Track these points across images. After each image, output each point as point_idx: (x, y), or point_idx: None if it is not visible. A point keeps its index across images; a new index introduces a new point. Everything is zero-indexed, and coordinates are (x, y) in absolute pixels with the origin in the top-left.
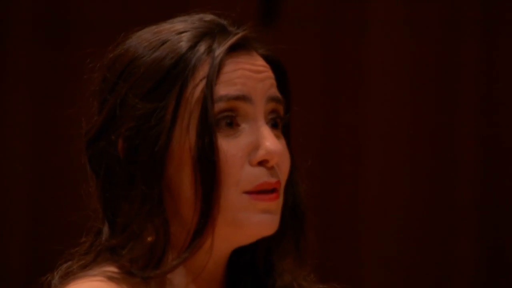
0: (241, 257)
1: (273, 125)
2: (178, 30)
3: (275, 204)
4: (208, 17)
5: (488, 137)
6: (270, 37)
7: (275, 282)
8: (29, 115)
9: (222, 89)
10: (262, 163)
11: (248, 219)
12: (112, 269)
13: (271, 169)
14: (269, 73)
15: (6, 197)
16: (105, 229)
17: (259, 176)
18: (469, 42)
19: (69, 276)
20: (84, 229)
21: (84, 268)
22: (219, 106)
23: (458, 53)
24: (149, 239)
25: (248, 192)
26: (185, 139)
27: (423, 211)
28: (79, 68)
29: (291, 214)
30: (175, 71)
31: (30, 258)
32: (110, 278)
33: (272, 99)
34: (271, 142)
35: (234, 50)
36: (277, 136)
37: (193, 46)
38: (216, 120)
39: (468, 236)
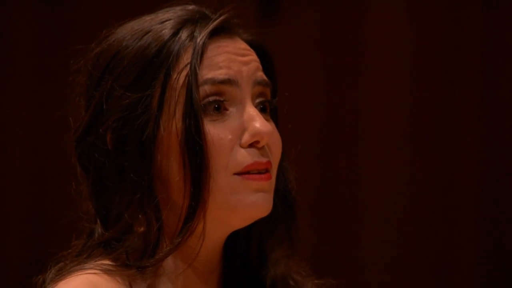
0: (235, 248)
1: (262, 109)
2: (161, 20)
3: (268, 184)
4: (190, 6)
5: (490, 130)
6: (271, 31)
7: (268, 272)
8: (28, 115)
9: (207, 73)
10: (252, 144)
11: (241, 200)
12: (106, 261)
13: (261, 149)
14: (253, 57)
15: (3, 197)
16: (97, 228)
17: (250, 156)
18: (471, 31)
19: (62, 272)
20: (76, 231)
21: (78, 265)
22: (204, 89)
23: (460, 43)
24: (141, 229)
25: (239, 173)
26: (172, 125)
27: (424, 203)
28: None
29: (282, 202)
30: (158, 59)
31: (28, 259)
32: (105, 271)
33: (258, 82)
34: (260, 123)
35: (216, 34)
36: (266, 120)
37: (175, 33)
38: (203, 104)
39: (469, 232)
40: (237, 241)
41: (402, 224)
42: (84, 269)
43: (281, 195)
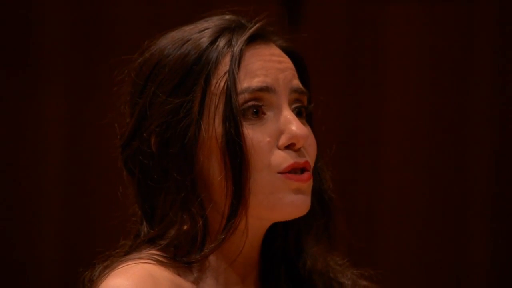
0: (273, 243)
1: (297, 113)
2: (200, 29)
3: (307, 185)
4: (227, 16)
5: (503, 131)
6: (295, 37)
7: (306, 264)
8: (65, 115)
9: (245, 81)
10: (289, 146)
11: (280, 199)
12: (157, 253)
13: (298, 151)
14: (289, 64)
15: (40, 198)
16: (143, 228)
17: (288, 158)
18: (484, 31)
19: (113, 264)
20: (122, 232)
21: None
22: (243, 97)
23: (473, 43)
24: (185, 227)
25: (281, 173)
26: (212, 128)
27: (440, 198)
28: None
29: (319, 200)
30: (198, 66)
31: (63, 261)
32: (159, 262)
33: (295, 90)
34: (296, 126)
35: (253, 41)
36: (302, 123)
37: (213, 41)
38: (242, 109)
39: (482, 224)
40: (275, 237)
41: (420, 219)
42: (136, 258)
43: (317, 194)
